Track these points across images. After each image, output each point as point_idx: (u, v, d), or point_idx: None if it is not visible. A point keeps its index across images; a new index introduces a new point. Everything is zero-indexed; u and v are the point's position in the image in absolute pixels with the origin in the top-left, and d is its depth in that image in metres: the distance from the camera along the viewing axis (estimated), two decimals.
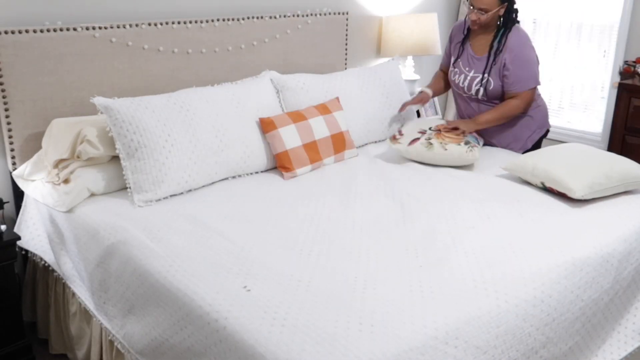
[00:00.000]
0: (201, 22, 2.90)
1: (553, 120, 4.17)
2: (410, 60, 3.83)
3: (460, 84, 3.01)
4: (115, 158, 2.36)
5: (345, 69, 3.59)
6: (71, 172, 2.31)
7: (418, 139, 2.78)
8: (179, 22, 2.82)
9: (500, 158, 2.83)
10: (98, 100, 2.29)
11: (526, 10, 4.28)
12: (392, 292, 1.65)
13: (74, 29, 2.52)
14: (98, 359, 2.18)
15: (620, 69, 3.74)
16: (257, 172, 2.65)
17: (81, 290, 2.21)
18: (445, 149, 2.70)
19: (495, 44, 2.86)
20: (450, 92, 3.48)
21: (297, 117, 2.71)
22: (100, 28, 2.59)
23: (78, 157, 2.31)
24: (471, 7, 2.83)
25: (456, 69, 3.03)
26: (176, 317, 1.69)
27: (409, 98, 3.28)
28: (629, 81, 3.58)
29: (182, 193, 2.37)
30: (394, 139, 2.86)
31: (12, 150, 2.47)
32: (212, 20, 2.94)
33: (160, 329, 1.76)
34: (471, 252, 1.89)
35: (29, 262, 2.57)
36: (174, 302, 1.70)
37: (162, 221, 2.10)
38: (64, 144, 2.32)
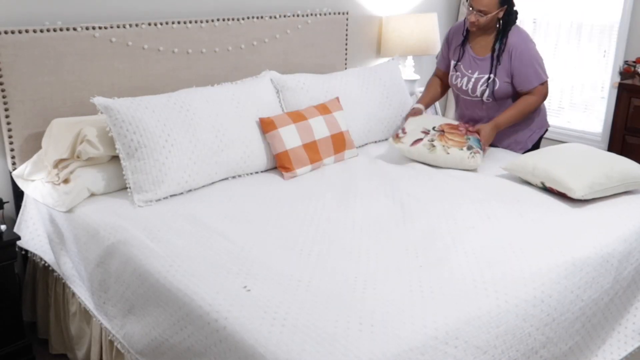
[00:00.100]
0: (201, 22, 2.90)
1: (553, 120, 4.18)
2: (410, 60, 3.83)
3: (464, 87, 2.99)
4: (115, 158, 2.36)
5: (345, 69, 3.59)
6: (71, 172, 2.31)
7: (421, 139, 2.76)
8: (179, 22, 2.82)
9: (500, 158, 2.83)
10: (98, 100, 2.29)
11: (526, 10, 4.28)
12: (392, 292, 1.65)
13: (74, 29, 2.52)
14: (98, 359, 2.18)
15: (620, 69, 3.74)
16: (257, 172, 2.65)
17: (81, 290, 2.21)
18: (448, 153, 2.68)
19: (497, 45, 2.85)
20: (450, 92, 3.48)
21: (297, 117, 2.71)
22: (100, 28, 2.59)
23: (78, 157, 2.31)
24: (470, 9, 2.82)
25: (458, 73, 3.02)
26: (176, 317, 1.69)
27: (408, 98, 3.29)
28: (629, 81, 3.58)
29: (182, 193, 2.37)
30: (397, 137, 2.83)
31: (12, 150, 2.47)
32: (212, 20, 2.94)
33: (160, 329, 1.76)
34: (471, 252, 1.89)
35: (29, 262, 2.57)
36: (174, 302, 1.70)
37: (162, 221, 2.10)
38: (64, 144, 2.32)
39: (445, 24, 4.18)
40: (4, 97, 2.40)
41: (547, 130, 3.10)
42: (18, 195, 2.53)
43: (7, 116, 2.43)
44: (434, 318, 1.54)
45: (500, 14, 2.81)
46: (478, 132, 2.79)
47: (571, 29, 4.14)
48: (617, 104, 3.60)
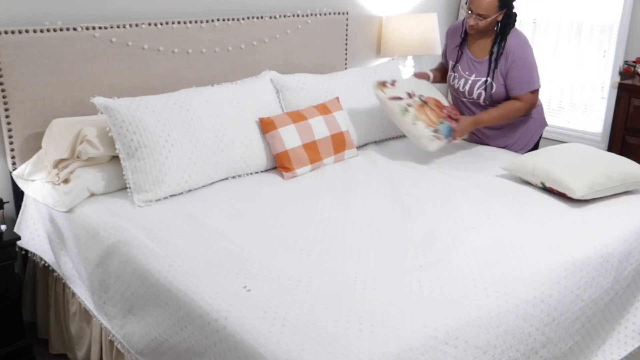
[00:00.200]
0: (201, 22, 2.90)
1: (553, 120, 4.19)
2: (410, 60, 3.83)
3: (461, 89, 2.99)
4: (115, 158, 2.36)
5: (345, 69, 3.59)
6: (71, 172, 2.31)
7: (401, 98, 2.78)
8: (179, 22, 2.82)
9: (500, 158, 2.83)
10: (98, 100, 2.29)
11: (526, 10, 4.28)
12: (392, 292, 1.65)
13: (74, 29, 2.52)
14: (98, 359, 2.18)
15: (620, 69, 3.74)
16: (257, 172, 2.65)
17: (81, 290, 2.21)
18: (414, 124, 2.72)
19: (495, 48, 2.85)
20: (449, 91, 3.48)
21: (297, 117, 2.71)
22: (100, 28, 2.59)
23: (78, 157, 2.31)
24: (469, 12, 2.81)
25: (455, 74, 3.02)
26: (176, 317, 1.69)
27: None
28: (629, 81, 3.58)
29: (182, 193, 2.37)
30: (383, 85, 2.84)
31: (12, 150, 2.47)
32: (212, 20, 2.94)
33: (160, 329, 1.76)
34: (471, 252, 1.89)
35: (29, 262, 2.57)
36: (174, 302, 1.70)
37: (162, 221, 2.10)
38: (64, 144, 2.32)
39: (445, 24, 4.18)
40: (4, 97, 2.40)
41: (544, 128, 3.11)
42: (18, 195, 2.53)
43: (7, 116, 2.43)
44: (434, 318, 1.54)
45: (500, 17, 2.80)
46: (457, 121, 2.81)
47: (571, 29, 4.14)
48: (617, 104, 3.60)
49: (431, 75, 3.15)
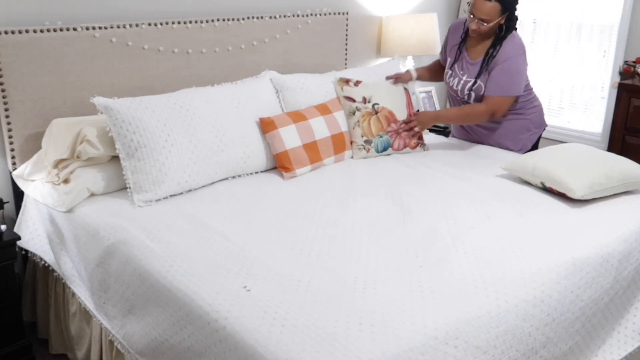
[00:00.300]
0: (201, 22, 2.90)
1: (553, 120, 4.19)
2: (410, 60, 3.83)
3: (454, 87, 3.00)
4: (115, 158, 2.36)
5: (345, 69, 3.59)
6: (71, 172, 2.31)
7: (354, 101, 2.90)
8: (179, 22, 2.82)
9: (500, 158, 2.83)
10: (98, 100, 2.29)
11: (526, 10, 4.28)
12: (392, 292, 1.65)
13: (74, 29, 2.52)
14: (98, 359, 2.18)
15: (620, 69, 3.74)
16: (257, 172, 2.65)
17: (81, 290, 2.21)
18: (353, 128, 2.86)
19: (491, 51, 2.82)
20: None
21: (297, 117, 2.71)
22: (100, 28, 2.59)
23: (78, 157, 2.31)
24: (471, 16, 2.77)
25: (451, 72, 3.02)
26: (176, 317, 1.69)
27: (410, 99, 3.29)
28: (629, 81, 3.58)
29: (182, 193, 2.37)
30: (345, 82, 2.96)
31: (12, 150, 2.47)
32: (212, 20, 2.94)
33: (160, 329, 1.76)
34: (471, 252, 1.89)
35: (29, 262, 2.57)
36: (174, 302, 1.70)
37: (162, 221, 2.10)
38: (64, 144, 2.32)
39: (445, 24, 4.17)
40: (4, 97, 2.40)
41: (544, 129, 3.10)
42: (18, 195, 2.53)
43: (7, 116, 2.43)
44: (434, 318, 1.54)
45: (502, 21, 2.77)
46: (415, 114, 2.91)
47: (571, 29, 4.14)
48: (617, 104, 3.60)
49: (414, 74, 3.14)
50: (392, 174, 2.63)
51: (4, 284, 2.26)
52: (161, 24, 2.77)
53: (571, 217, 2.18)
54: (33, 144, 2.49)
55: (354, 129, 2.86)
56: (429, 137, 3.22)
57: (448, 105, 3.25)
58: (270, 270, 1.76)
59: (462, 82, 2.95)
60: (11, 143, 2.47)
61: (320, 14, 3.38)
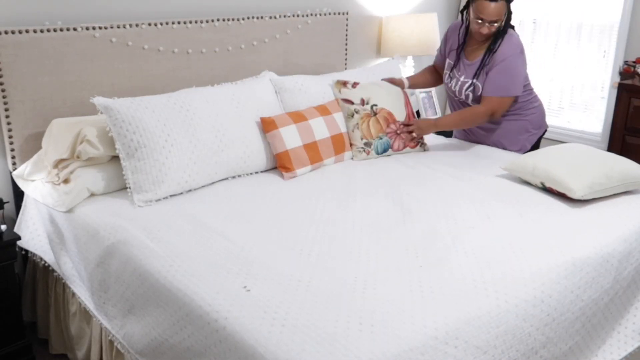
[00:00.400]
0: (201, 22, 2.90)
1: (553, 120, 4.18)
2: (410, 60, 3.83)
3: (453, 88, 3.00)
4: (115, 158, 2.36)
5: (345, 69, 3.59)
6: (71, 172, 2.31)
7: (353, 103, 2.88)
8: (179, 22, 2.82)
9: (500, 158, 2.83)
10: (98, 100, 2.29)
11: (526, 10, 4.28)
12: (392, 292, 1.65)
13: (74, 29, 2.52)
14: (98, 359, 2.18)
15: (620, 69, 3.74)
16: (257, 172, 2.65)
17: (81, 290, 2.21)
18: (353, 131, 2.85)
19: (492, 46, 2.80)
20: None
21: (297, 117, 2.71)
22: (100, 28, 2.59)
23: (78, 157, 2.31)
24: (479, 21, 2.73)
25: (449, 73, 3.02)
26: (176, 317, 1.69)
27: (408, 98, 3.29)
28: (629, 81, 3.58)
29: (182, 193, 2.37)
30: (343, 84, 2.94)
31: (12, 150, 2.48)
32: (212, 20, 2.94)
33: (160, 329, 1.76)
34: (471, 252, 1.89)
35: (29, 262, 2.57)
36: (174, 302, 1.70)
37: (162, 221, 2.10)
38: (64, 144, 2.32)
39: (445, 24, 4.17)
40: (4, 97, 2.40)
41: (545, 131, 3.10)
42: (18, 195, 2.53)
43: (7, 116, 2.43)
44: (434, 318, 1.54)
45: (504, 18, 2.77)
46: (415, 119, 2.91)
47: (571, 29, 4.14)
48: (617, 104, 3.60)
49: (406, 82, 3.12)
50: (392, 174, 2.63)
51: (4, 284, 2.26)
52: (161, 24, 2.77)
53: (571, 217, 2.18)
54: (33, 144, 2.49)
55: (353, 131, 2.85)
56: (429, 137, 3.21)
57: (448, 106, 3.24)
58: (270, 270, 1.76)
59: (459, 82, 2.95)
60: (11, 143, 2.47)
61: (320, 14, 3.38)
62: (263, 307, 1.56)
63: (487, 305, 1.63)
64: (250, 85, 2.80)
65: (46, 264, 2.41)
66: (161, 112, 2.37)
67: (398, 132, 2.91)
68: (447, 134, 3.56)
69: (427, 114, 3.87)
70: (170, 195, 2.33)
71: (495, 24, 2.74)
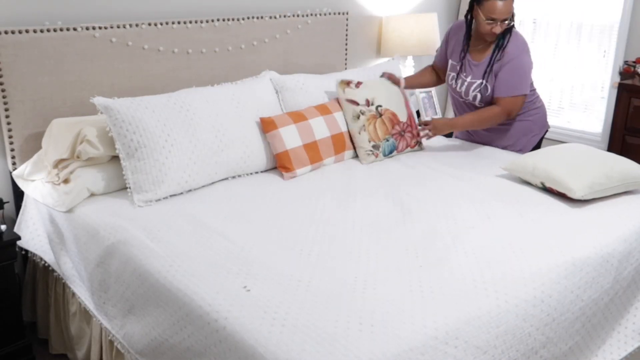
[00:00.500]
0: (201, 22, 2.90)
1: (553, 120, 4.18)
2: (410, 60, 3.83)
3: (458, 89, 2.98)
4: (115, 158, 2.36)
5: (345, 69, 3.59)
6: (71, 172, 2.31)
7: (358, 104, 2.84)
8: (179, 22, 2.82)
9: (500, 158, 2.83)
10: (98, 100, 2.29)
11: (526, 10, 4.28)
12: (392, 292, 1.65)
13: (74, 29, 2.52)
14: (98, 359, 2.18)
15: (620, 69, 3.74)
16: (257, 172, 2.65)
17: (81, 290, 2.21)
18: (359, 133, 2.80)
19: (496, 50, 2.80)
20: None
21: (297, 117, 2.71)
22: (100, 28, 2.59)
23: (78, 157, 2.31)
24: (490, 21, 2.71)
25: (453, 74, 3.00)
26: (176, 317, 1.69)
27: (408, 98, 3.29)
28: (629, 81, 3.58)
29: (182, 193, 2.37)
30: (347, 84, 2.89)
31: (12, 150, 2.48)
32: (212, 20, 2.94)
33: (160, 329, 1.76)
34: (471, 252, 1.89)
35: (29, 262, 2.57)
36: (174, 302, 1.70)
37: (162, 221, 2.10)
38: (64, 144, 2.32)
39: (445, 24, 4.17)
40: (4, 97, 2.40)
41: (547, 131, 3.10)
42: (18, 195, 2.53)
43: (7, 116, 2.43)
44: (434, 318, 1.54)
45: None
46: (427, 124, 2.86)
47: (571, 29, 4.14)
48: (617, 104, 3.60)
49: (402, 82, 3.10)
50: (392, 174, 2.63)
51: (4, 284, 2.26)
52: (161, 24, 2.77)
53: (571, 217, 2.18)
54: (33, 144, 2.49)
55: (359, 133, 2.80)
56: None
57: (452, 108, 3.22)
58: (270, 270, 1.76)
59: (466, 83, 2.93)
60: (11, 143, 2.47)
61: (320, 14, 3.38)
62: (263, 307, 1.56)
63: (487, 305, 1.63)
64: (250, 85, 2.80)
65: (46, 264, 2.41)
66: (161, 112, 2.37)
67: (414, 132, 2.90)
68: (448, 134, 3.56)
69: (427, 114, 3.87)
70: (170, 195, 2.33)
71: (506, 22, 2.74)
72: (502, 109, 2.81)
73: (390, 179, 2.57)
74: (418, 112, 3.76)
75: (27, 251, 2.50)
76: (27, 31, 2.39)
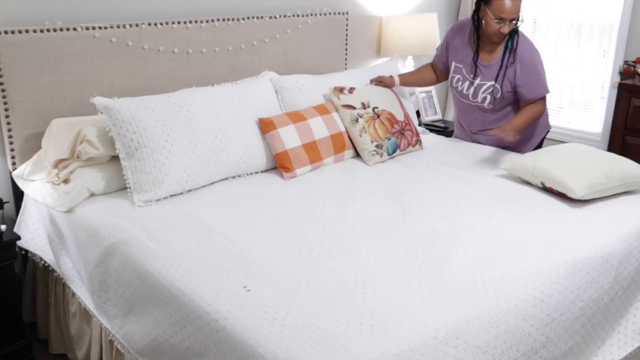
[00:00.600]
0: (201, 22, 2.90)
1: (553, 120, 4.18)
2: (410, 60, 3.83)
3: (465, 91, 2.96)
4: (115, 158, 2.36)
5: (345, 69, 3.59)
6: (71, 172, 2.31)
7: (354, 108, 2.84)
8: (179, 22, 2.82)
9: (500, 158, 2.83)
10: (98, 100, 2.29)
11: (526, 10, 4.28)
12: (392, 292, 1.65)
13: (74, 29, 2.52)
14: (98, 359, 2.18)
15: (620, 69, 3.74)
16: (257, 172, 2.65)
17: (81, 290, 2.21)
18: (360, 136, 2.80)
19: (506, 54, 2.79)
20: (450, 92, 3.46)
21: (296, 117, 2.71)
22: (100, 28, 2.59)
23: (78, 157, 2.31)
24: (499, 21, 2.70)
25: (459, 76, 2.98)
26: (176, 317, 1.69)
27: (407, 98, 3.29)
28: (629, 81, 3.58)
29: (182, 193, 2.37)
30: (339, 91, 2.89)
31: (12, 150, 2.48)
32: (212, 20, 2.94)
33: (160, 329, 1.76)
34: (471, 252, 1.89)
35: (29, 262, 2.57)
36: (174, 302, 1.70)
37: (162, 221, 2.10)
38: (63, 144, 2.32)
39: (445, 24, 4.18)
40: (4, 97, 2.40)
41: (548, 131, 3.10)
42: (18, 195, 2.53)
43: (7, 116, 2.43)
44: (434, 318, 1.54)
45: None
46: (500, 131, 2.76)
47: (571, 29, 4.14)
48: (617, 104, 3.60)
49: (397, 80, 3.11)
50: (392, 174, 2.63)
51: (4, 284, 2.26)
52: (161, 24, 2.77)
53: (571, 217, 2.18)
54: (33, 144, 2.49)
55: (360, 136, 2.79)
56: (430, 137, 3.22)
57: (454, 109, 3.20)
58: (270, 270, 1.76)
59: (474, 85, 2.91)
60: (11, 143, 2.47)
61: (320, 14, 3.38)
62: (263, 307, 1.56)
63: (487, 305, 1.63)
64: (250, 85, 2.80)
65: (46, 264, 2.41)
66: (161, 112, 2.37)
67: (413, 130, 2.92)
68: (448, 133, 3.56)
69: (427, 114, 3.87)
70: (170, 195, 2.33)
71: (514, 22, 2.73)
72: (543, 107, 2.87)
73: (390, 178, 2.57)
74: (418, 112, 3.76)
75: (27, 251, 2.50)
76: (27, 31, 2.39)
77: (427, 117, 3.86)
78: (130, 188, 2.28)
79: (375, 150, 2.78)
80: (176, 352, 1.70)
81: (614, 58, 3.88)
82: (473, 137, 3.14)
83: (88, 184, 2.30)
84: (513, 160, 2.61)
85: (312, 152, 2.67)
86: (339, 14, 3.48)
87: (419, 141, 2.98)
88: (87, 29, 2.55)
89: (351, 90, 2.90)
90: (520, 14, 2.73)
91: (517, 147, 3.02)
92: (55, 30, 2.47)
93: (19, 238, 2.30)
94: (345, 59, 3.61)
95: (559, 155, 2.47)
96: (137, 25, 2.69)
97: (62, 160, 2.33)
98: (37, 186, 2.39)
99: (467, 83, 2.95)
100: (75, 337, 2.34)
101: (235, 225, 2.08)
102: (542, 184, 2.39)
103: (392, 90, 3.04)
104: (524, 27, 4.26)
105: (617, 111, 3.59)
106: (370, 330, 1.47)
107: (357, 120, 2.81)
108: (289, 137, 2.62)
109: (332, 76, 3.11)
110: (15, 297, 2.32)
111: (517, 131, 2.74)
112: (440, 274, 1.75)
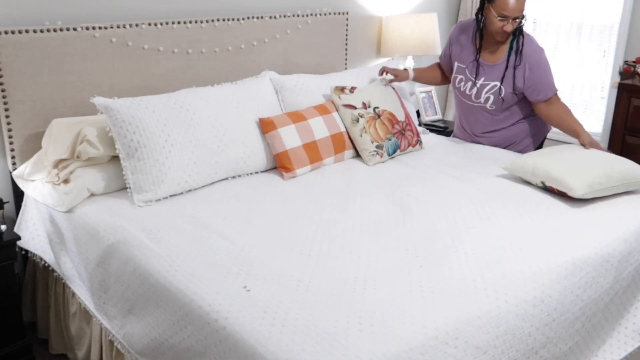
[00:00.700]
0: (201, 22, 2.90)
1: None
2: (410, 60, 3.83)
3: (467, 92, 2.95)
4: (115, 158, 2.36)
5: (345, 69, 3.59)
6: (71, 172, 2.31)
7: (355, 107, 2.83)
8: (179, 22, 2.82)
9: (500, 158, 2.83)
10: (98, 100, 2.29)
11: (526, 10, 4.27)
12: (392, 292, 1.65)
13: (74, 29, 2.52)
14: (98, 359, 2.18)
15: (620, 69, 3.74)
16: (257, 172, 2.65)
17: (81, 290, 2.21)
18: (361, 136, 2.79)
19: (512, 53, 2.79)
20: (450, 91, 3.47)
21: (296, 117, 2.71)
22: (100, 28, 2.59)
23: (78, 157, 2.31)
24: (502, 19, 2.69)
25: (461, 76, 2.97)
26: (176, 317, 1.69)
27: (408, 98, 3.28)
28: (629, 81, 3.58)
29: (182, 193, 2.37)
30: (341, 90, 2.88)
31: (12, 150, 2.48)
32: (212, 20, 2.94)
33: (160, 329, 1.76)
34: (471, 252, 1.89)
35: (29, 262, 2.57)
36: (174, 302, 1.70)
37: (162, 221, 2.10)
38: (63, 144, 2.32)
39: (445, 24, 4.18)
40: (4, 97, 2.40)
41: (549, 131, 3.10)
42: (18, 195, 2.53)
43: (7, 116, 2.43)
44: (434, 318, 1.54)
45: None
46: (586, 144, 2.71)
47: (571, 29, 4.14)
48: (617, 104, 3.60)
49: (412, 74, 3.10)
50: (392, 174, 2.63)
51: (4, 284, 2.26)
52: (161, 24, 2.77)
53: (571, 217, 2.18)
54: (33, 144, 2.49)
55: (361, 136, 2.78)
56: (430, 137, 3.22)
57: (455, 109, 3.20)
58: (270, 270, 1.76)
59: (477, 85, 2.90)
60: (11, 143, 2.47)
61: (320, 14, 3.38)
62: (263, 307, 1.56)
63: (487, 305, 1.63)
64: (250, 85, 2.80)
65: (46, 264, 2.41)
66: (161, 112, 2.37)
67: (414, 130, 2.93)
68: (448, 133, 3.56)
69: (427, 114, 3.87)
70: (170, 195, 2.33)
71: (517, 20, 2.72)
72: (562, 102, 2.86)
73: (390, 178, 2.57)
74: (418, 112, 3.76)
75: (27, 251, 2.50)
76: (27, 31, 2.39)
77: (427, 117, 3.86)
78: (130, 188, 2.28)
79: (375, 151, 2.78)
80: (176, 352, 1.71)
81: (614, 58, 3.89)
82: (475, 139, 3.12)
83: (88, 184, 2.30)
84: (513, 160, 2.61)
85: (312, 152, 2.67)
86: (339, 14, 3.48)
87: (419, 141, 2.98)
88: (87, 29, 2.55)
89: (352, 89, 2.89)
90: (523, 12, 2.72)
91: (513, 146, 3.02)
92: (55, 30, 2.47)
93: (19, 238, 2.30)
94: (345, 59, 3.61)
95: (559, 155, 2.47)
96: (137, 25, 2.69)
97: (62, 160, 2.33)
98: (37, 186, 2.39)
99: (469, 83, 2.93)
100: (75, 337, 2.34)
101: (235, 225, 2.08)
102: (543, 183, 2.39)
103: (394, 90, 3.04)
104: (524, 27, 4.29)
105: (617, 111, 3.60)
106: (370, 330, 1.47)
107: (357, 120, 2.80)
108: (289, 137, 2.62)
109: (332, 76, 3.11)
110: (15, 297, 2.32)
111: (589, 137, 2.70)
112: (440, 274, 1.75)
